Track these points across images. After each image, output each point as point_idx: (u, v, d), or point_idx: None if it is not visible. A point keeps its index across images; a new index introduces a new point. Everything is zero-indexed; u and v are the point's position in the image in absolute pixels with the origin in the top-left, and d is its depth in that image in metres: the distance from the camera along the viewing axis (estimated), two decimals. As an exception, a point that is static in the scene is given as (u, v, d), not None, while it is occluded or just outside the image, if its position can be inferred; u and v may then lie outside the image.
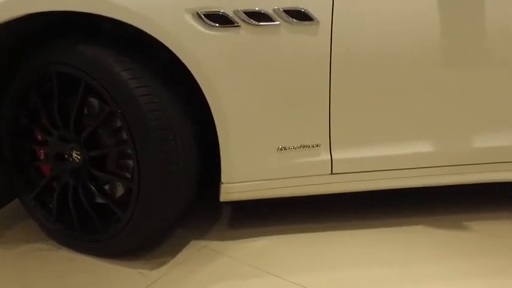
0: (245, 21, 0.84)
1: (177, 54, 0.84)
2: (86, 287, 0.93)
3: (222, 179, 0.97)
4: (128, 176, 0.95)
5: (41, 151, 1.02)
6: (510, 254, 1.02)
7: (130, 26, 0.82)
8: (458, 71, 0.96)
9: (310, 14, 0.86)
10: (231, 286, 0.91)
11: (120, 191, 1.01)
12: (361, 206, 1.21)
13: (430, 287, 0.91)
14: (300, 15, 0.86)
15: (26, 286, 0.94)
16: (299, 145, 0.96)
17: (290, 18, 0.85)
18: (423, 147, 1.02)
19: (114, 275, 0.95)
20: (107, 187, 1.01)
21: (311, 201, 1.14)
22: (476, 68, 0.96)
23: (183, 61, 0.85)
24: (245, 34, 0.85)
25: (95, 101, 0.94)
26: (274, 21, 0.85)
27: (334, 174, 1.01)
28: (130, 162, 0.94)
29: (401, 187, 1.07)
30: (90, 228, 0.99)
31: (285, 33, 0.86)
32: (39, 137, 1.00)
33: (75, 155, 0.96)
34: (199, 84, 0.86)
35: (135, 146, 0.86)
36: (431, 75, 0.95)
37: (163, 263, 0.99)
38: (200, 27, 0.83)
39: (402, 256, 1.01)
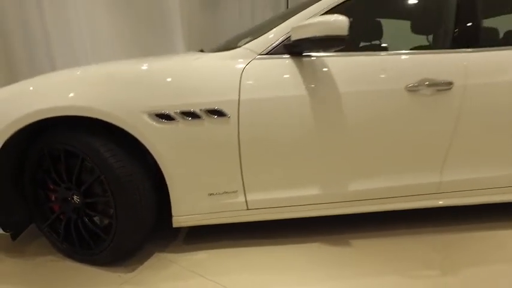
0: (182, 118, 1.33)
1: (139, 139, 1.33)
2: (81, 284, 1.42)
3: (173, 213, 1.47)
4: (110, 212, 1.44)
5: (52, 195, 1.51)
6: (376, 261, 1.52)
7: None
8: (322, 142, 1.45)
9: (224, 112, 1.35)
10: (175, 285, 1.40)
11: (105, 220, 1.50)
12: (276, 228, 1.72)
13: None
14: (217, 113, 1.35)
15: (41, 285, 1.43)
16: (222, 192, 1.46)
17: (211, 115, 1.35)
18: (311, 190, 1.51)
19: (100, 276, 1.45)
20: (97, 218, 1.50)
21: (240, 226, 1.63)
22: (334, 140, 1.46)
23: (144, 143, 1.34)
24: (182, 126, 1.34)
25: (88, 163, 1.43)
26: (200, 118, 1.34)
27: (249, 209, 1.51)
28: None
29: (298, 217, 1.57)
30: (86, 246, 1.49)
31: (208, 124, 1.35)
32: (51, 186, 1.49)
33: (76, 199, 1.45)
34: (154, 157, 1.35)
35: (113, 195, 1.35)
36: (308, 144, 1.44)
37: (134, 269, 1.49)
38: (153, 123, 1.32)
39: (299, 265, 1.50)
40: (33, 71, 3.45)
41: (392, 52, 1.50)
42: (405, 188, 1.60)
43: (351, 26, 1.40)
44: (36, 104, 1.30)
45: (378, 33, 1.72)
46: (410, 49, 1.58)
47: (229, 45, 1.59)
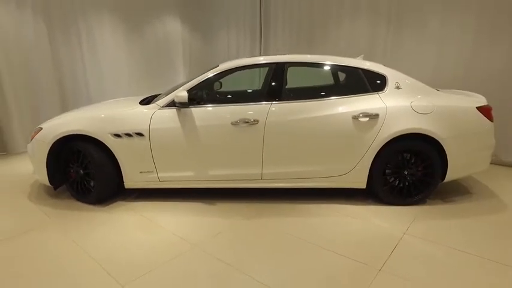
0: (125, 136, 2.95)
1: (108, 146, 2.97)
2: (81, 209, 3.10)
3: (124, 180, 3.10)
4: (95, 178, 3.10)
5: (71, 170, 3.20)
6: (222, 213, 3.01)
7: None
8: (190, 148, 2.97)
9: (143, 133, 2.95)
10: (122, 213, 3.00)
11: (93, 182, 3.16)
12: (186, 193, 3.28)
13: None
14: (140, 134, 2.95)
15: (65, 209, 3.11)
16: (146, 171, 3.06)
17: (137, 135, 2.95)
18: (189, 173, 3.05)
19: (90, 207, 3.13)
20: (92, 183, 3.17)
21: (167, 191, 3.21)
22: (196, 148, 2.97)
23: (110, 148, 2.98)
24: (125, 140, 2.97)
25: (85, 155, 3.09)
26: (132, 136, 2.94)
27: (160, 181, 3.09)
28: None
29: (186, 187, 3.11)
30: (85, 194, 3.18)
31: (136, 139, 2.97)
32: (71, 165, 3.18)
33: (81, 171, 3.13)
34: (114, 153, 2.99)
35: (95, 170, 3.02)
36: (183, 149, 2.98)
37: (106, 206, 3.15)
38: (113, 138, 2.96)
39: (189, 211, 3.06)
40: (75, 94, 5.28)
41: (226, 104, 2.99)
42: (242, 175, 3.06)
43: (210, 89, 2.93)
44: (65, 128, 3.01)
45: (221, 94, 3.22)
46: (238, 102, 3.04)
47: (156, 100, 3.17)
